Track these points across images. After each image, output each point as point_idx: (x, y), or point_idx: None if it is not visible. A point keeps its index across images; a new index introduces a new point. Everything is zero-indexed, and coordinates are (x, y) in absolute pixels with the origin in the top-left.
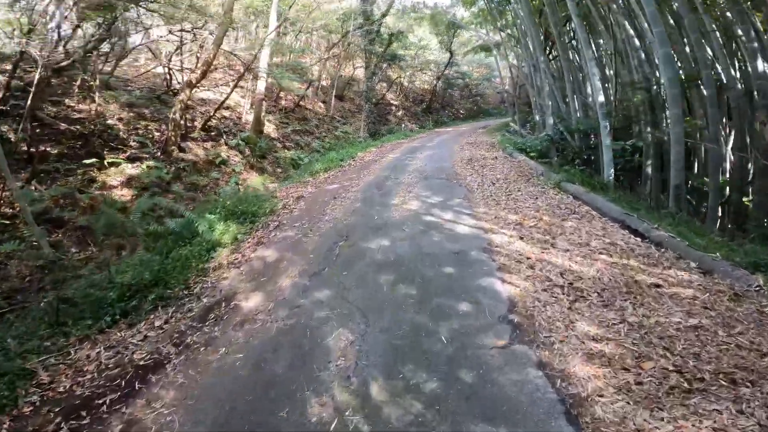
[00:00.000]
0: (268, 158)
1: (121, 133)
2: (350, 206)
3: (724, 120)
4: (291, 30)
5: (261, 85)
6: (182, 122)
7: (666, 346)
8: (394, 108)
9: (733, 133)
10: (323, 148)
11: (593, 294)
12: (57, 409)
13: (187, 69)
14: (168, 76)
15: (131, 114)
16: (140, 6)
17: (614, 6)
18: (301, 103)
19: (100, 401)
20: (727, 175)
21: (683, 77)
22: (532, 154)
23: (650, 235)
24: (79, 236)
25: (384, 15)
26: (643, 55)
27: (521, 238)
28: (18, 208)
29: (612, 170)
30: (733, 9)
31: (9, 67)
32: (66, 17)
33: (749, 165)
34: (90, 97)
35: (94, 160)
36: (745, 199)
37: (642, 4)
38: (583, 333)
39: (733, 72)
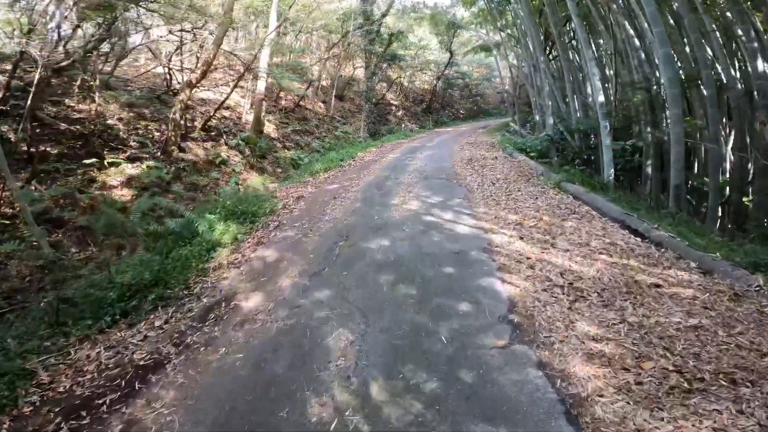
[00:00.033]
0: (268, 158)
1: (121, 133)
2: (350, 206)
3: (723, 120)
4: (291, 30)
5: (261, 85)
6: (182, 122)
7: (666, 346)
8: (394, 108)
9: (732, 133)
10: (323, 148)
11: (593, 294)
12: (57, 409)
13: (187, 69)
14: (168, 76)
15: (131, 114)
16: (140, 6)
17: (614, 6)
18: (301, 103)
19: (100, 401)
20: (727, 175)
21: (683, 77)
22: (532, 154)
23: (650, 235)
24: (79, 236)
25: (384, 15)
26: (643, 55)
27: (521, 238)
28: (18, 208)
29: (612, 170)
30: (733, 9)
31: (9, 67)
32: (66, 17)
33: (749, 165)
34: (90, 97)
35: (94, 160)
36: (745, 199)
37: (642, 4)
38: (583, 333)
39: (733, 72)
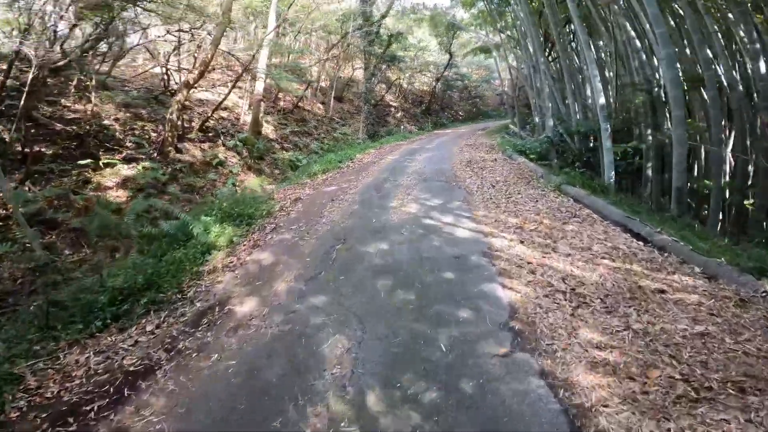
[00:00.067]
0: (266, 159)
1: (117, 133)
2: (348, 209)
3: (723, 122)
4: (290, 31)
5: (259, 86)
6: (179, 123)
7: (672, 354)
8: (393, 109)
9: (732, 134)
10: (322, 150)
11: (596, 300)
12: (44, 415)
13: (184, 69)
14: (165, 77)
15: (128, 114)
16: (137, 5)
17: (615, 7)
18: (299, 104)
19: (88, 408)
20: (727, 178)
21: (685, 79)
22: (531, 157)
23: (653, 239)
24: (72, 238)
25: (383, 16)
26: (644, 57)
27: (522, 242)
28: (11, 210)
29: (612, 173)
30: (735, 10)
31: (5, 66)
32: (62, 17)
33: (748, 167)
34: (86, 97)
35: (89, 160)
36: (746, 202)
37: (644, 5)
38: (586, 340)
39: (734, 73)
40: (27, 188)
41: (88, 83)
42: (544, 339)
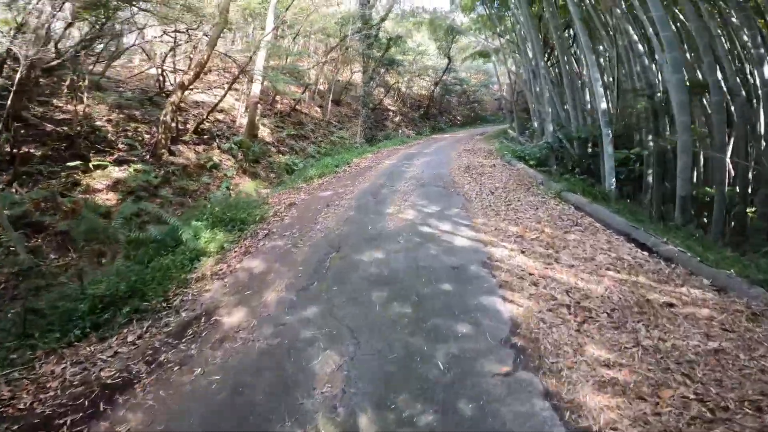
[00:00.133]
0: (262, 163)
1: (109, 135)
2: (344, 214)
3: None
4: (288, 33)
5: (256, 88)
6: (173, 124)
7: (685, 372)
8: (391, 113)
9: (732, 140)
10: (318, 154)
11: (602, 314)
12: (15, 427)
13: (180, 70)
14: (161, 78)
15: (121, 115)
16: (133, 5)
17: (617, 11)
18: (297, 107)
19: (61, 421)
20: (727, 185)
21: (689, 84)
22: (531, 162)
23: (659, 249)
24: (58, 242)
25: (383, 19)
26: (646, 61)
27: (523, 252)
28: None
29: (613, 179)
30: (739, 14)
31: None
32: (54, 15)
33: (748, 174)
34: (78, 97)
35: (78, 162)
36: (748, 210)
37: (649, 8)
38: (593, 358)
39: (737, 79)
40: (14, 190)
41: (80, 83)
42: (548, 357)
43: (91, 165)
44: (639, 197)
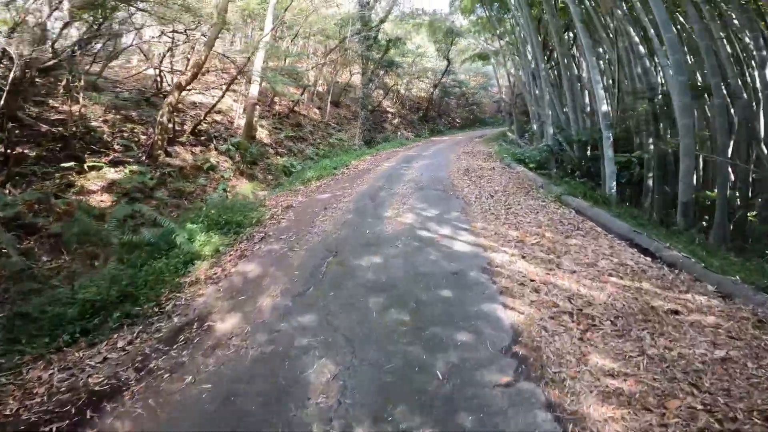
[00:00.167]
0: (260, 165)
1: (104, 135)
2: (341, 218)
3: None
4: (288, 34)
5: (254, 89)
6: (170, 125)
7: (692, 382)
8: (390, 115)
9: (732, 144)
10: (317, 156)
11: (606, 322)
12: None
13: (178, 71)
14: (158, 78)
15: (118, 116)
16: (131, 5)
17: (618, 12)
18: (295, 108)
19: (46, 429)
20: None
21: (691, 87)
22: (531, 165)
23: (662, 254)
24: (51, 244)
25: (382, 21)
26: (647, 63)
27: (523, 257)
28: None
29: (614, 183)
30: (741, 16)
31: None
32: (50, 15)
33: (749, 178)
34: (74, 98)
35: (73, 163)
36: (749, 214)
37: (652, 9)
38: (597, 368)
39: (739, 82)
40: (7, 191)
41: (77, 84)
42: (550, 366)
43: (85, 166)
44: (640, 201)
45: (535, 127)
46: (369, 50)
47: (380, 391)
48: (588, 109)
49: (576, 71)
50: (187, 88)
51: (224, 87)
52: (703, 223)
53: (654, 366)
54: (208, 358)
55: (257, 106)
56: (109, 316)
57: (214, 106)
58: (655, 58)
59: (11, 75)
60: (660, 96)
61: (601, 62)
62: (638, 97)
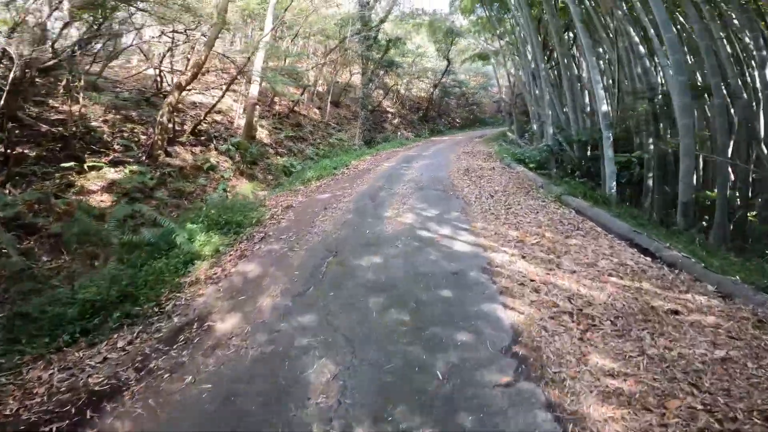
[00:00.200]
0: (260, 165)
1: (104, 135)
2: (341, 218)
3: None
4: (288, 34)
5: (254, 89)
6: (170, 125)
7: (692, 382)
8: (390, 116)
9: (732, 144)
10: (317, 156)
11: (606, 322)
12: None
13: (178, 71)
14: (159, 78)
15: (118, 116)
16: (130, 5)
17: (618, 12)
18: (295, 108)
19: (46, 429)
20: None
21: (691, 87)
22: (531, 165)
23: (662, 254)
24: (51, 244)
25: (382, 21)
26: (647, 63)
27: (523, 257)
28: None
29: (614, 183)
30: (741, 16)
31: None
32: (50, 15)
33: (749, 178)
34: (74, 98)
35: (73, 163)
36: (749, 214)
37: (652, 9)
38: (597, 368)
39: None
40: (7, 191)
41: (77, 84)
42: (550, 366)
43: (85, 166)
44: (639, 201)
45: (535, 127)
46: (369, 50)
47: (380, 391)
48: (588, 109)
49: (576, 71)
50: (187, 88)
51: (224, 87)
52: (703, 223)
53: (654, 366)
54: (208, 358)
55: (257, 106)
56: (109, 316)
57: (214, 106)
58: (655, 58)
59: (11, 75)
60: (660, 96)
61: (601, 62)
62: (638, 97)
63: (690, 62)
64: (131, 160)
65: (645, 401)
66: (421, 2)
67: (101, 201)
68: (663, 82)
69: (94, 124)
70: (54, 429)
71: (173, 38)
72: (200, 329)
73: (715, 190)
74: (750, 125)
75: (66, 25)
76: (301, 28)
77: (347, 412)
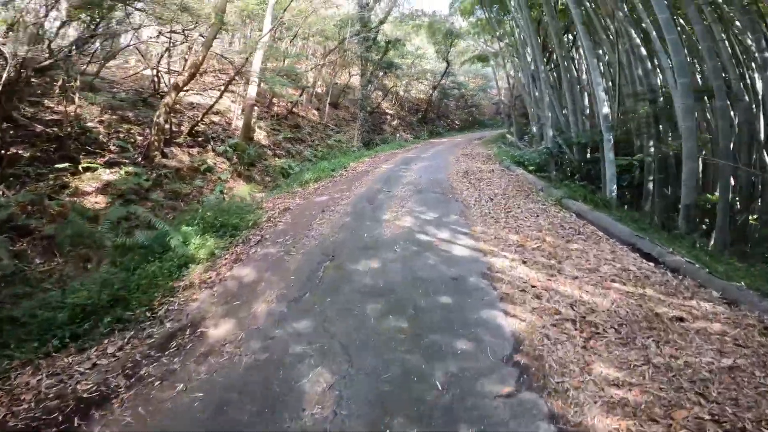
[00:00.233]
0: (257, 166)
1: (100, 136)
2: (339, 221)
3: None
4: (287, 35)
5: (252, 90)
6: (167, 126)
7: (699, 392)
8: (389, 117)
9: (732, 146)
10: (315, 157)
11: (610, 330)
12: None
13: (175, 71)
14: (156, 79)
15: (114, 117)
16: (128, 5)
17: (620, 14)
18: (294, 109)
19: None
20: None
21: (693, 89)
22: (530, 168)
23: (665, 259)
24: (44, 246)
25: (382, 22)
26: (648, 65)
27: (524, 263)
28: None
29: (615, 186)
30: (743, 18)
31: None
32: (46, 15)
33: (750, 181)
34: (70, 98)
35: (67, 164)
36: (750, 217)
37: (654, 10)
38: (601, 377)
39: (740, 84)
40: (1, 192)
41: (72, 84)
42: (553, 376)
43: (80, 167)
44: (640, 204)
45: (534, 129)
46: (368, 51)
47: (377, 401)
48: (588, 111)
49: (576, 73)
50: (185, 88)
51: (222, 88)
52: (704, 226)
53: (660, 375)
54: (201, 366)
55: (255, 107)
56: (99, 321)
57: (212, 106)
58: (656, 60)
59: (5, 75)
60: (661, 98)
61: (602, 64)
62: (639, 99)
63: (691, 64)
64: (127, 161)
65: (651, 412)
66: (420, 3)
67: (96, 202)
68: (664, 84)
69: (89, 124)
70: None
71: (171, 38)
72: (193, 335)
73: (716, 194)
74: (752, 127)
75: (63, 24)
76: (300, 28)
77: (343, 424)
